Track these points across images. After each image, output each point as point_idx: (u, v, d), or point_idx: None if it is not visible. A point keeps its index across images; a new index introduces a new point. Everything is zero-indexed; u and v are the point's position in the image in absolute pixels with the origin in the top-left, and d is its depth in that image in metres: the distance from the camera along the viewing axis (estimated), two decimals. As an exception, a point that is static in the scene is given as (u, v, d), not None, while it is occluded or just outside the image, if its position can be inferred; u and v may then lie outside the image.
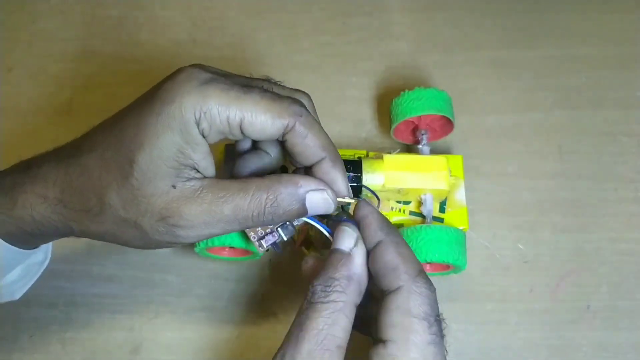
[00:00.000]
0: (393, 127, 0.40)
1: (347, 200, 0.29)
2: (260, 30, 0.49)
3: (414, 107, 0.38)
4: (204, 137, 0.27)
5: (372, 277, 0.27)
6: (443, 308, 0.39)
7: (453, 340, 0.38)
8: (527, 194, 0.43)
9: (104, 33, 0.49)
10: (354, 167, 0.36)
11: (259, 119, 0.27)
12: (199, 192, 0.27)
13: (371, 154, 0.40)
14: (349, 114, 0.46)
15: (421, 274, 0.26)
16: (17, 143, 0.44)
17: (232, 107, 0.26)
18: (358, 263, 0.27)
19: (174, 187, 0.27)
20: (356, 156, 0.39)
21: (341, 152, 0.39)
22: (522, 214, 0.42)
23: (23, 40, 0.49)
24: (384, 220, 0.28)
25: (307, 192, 0.28)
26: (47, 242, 0.35)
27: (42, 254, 0.37)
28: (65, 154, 0.29)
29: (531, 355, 0.38)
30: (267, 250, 0.32)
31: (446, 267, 0.37)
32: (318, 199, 0.28)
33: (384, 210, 0.38)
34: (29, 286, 0.37)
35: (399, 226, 0.38)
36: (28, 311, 0.39)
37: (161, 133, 0.26)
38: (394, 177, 0.36)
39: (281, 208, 0.28)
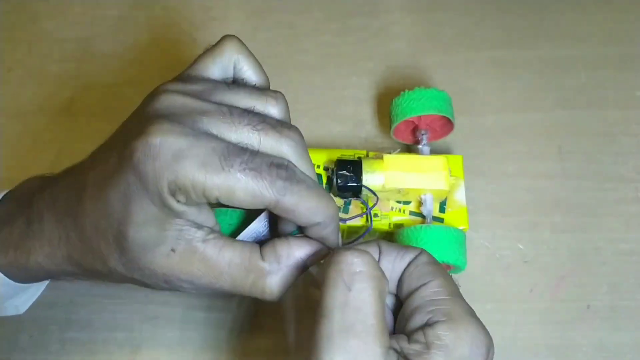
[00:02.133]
0: (393, 127, 0.40)
1: None
2: (260, 30, 0.49)
3: (414, 107, 0.38)
4: (184, 204, 0.26)
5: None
6: (443, 308, 0.39)
7: (453, 340, 0.39)
8: (527, 194, 0.43)
9: (104, 33, 0.49)
10: (354, 167, 0.36)
11: (237, 197, 0.25)
12: (200, 258, 0.27)
13: (371, 154, 0.40)
14: (349, 114, 0.46)
15: (439, 270, 0.27)
16: (17, 143, 0.44)
17: (207, 184, 0.24)
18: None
19: (173, 250, 0.27)
20: (356, 156, 0.39)
21: (341, 152, 0.39)
22: (522, 214, 0.42)
23: (23, 40, 0.49)
24: (435, 261, 0.28)
25: (307, 259, 0.28)
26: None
27: None
28: (62, 211, 0.28)
29: (531, 355, 0.38)
30: None
31: (446, 267, 0.37)
32: (317, 256, 0.28)
33: (384, 210, 0.38)
34: (33, 300, 0.37)
35: (398, 226, 0.38)
36: (28, 311, 0.39)
37: (145, 207, 0.25)
38: (394, 177, 0.36)
39: (287, 285, 0.28)
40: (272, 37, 0.49)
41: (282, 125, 0.27)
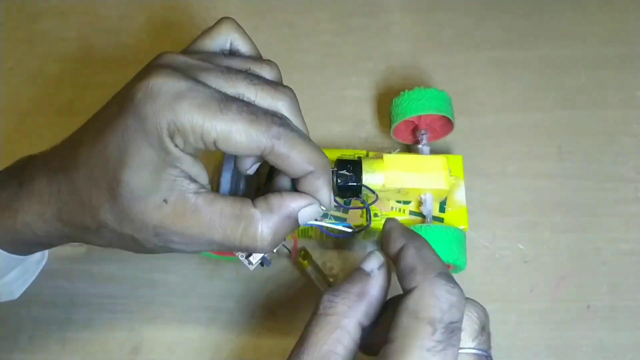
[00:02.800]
0: (393, 127, 0.40)
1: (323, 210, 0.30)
2: (260, 30, 0.49)
3: (414, 107, 0.38)
4: (182, 150, 0.26)
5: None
6: (443, 308, 0.39)
7: (453, 340, 0.39)
8: (527, 194, 0.43)
9: (104, 33, 0.49)
10: (354, 167, 0.36)
11: (234, 140, 0.26)
12: (192, 209, 0.27)
13: (371, 154, 0.40)
14: (349, 114, 0.46)
15: (441, 275, 0.24)
16: (17, 143, 0.44)
17: (205, 126, 0.25)
18: (374, 284, 0.26)
19: (165, 202, 0.27)
20: (356, 156, 0.39)
21: (341, 152, 0.39)
22: (522, 214, 0.42)
23: (23, 40, 0.49)
24: (408, 229, 0.28)
25: (299, 210, 0.28)
26: (47, 249, 0.35)
27: (40, 253, 0.37)
28: (55, 167, 0.29)
29: (531, 355, 0.38)
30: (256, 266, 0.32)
31: (446, 267, 0.37)
32: (309, 212, 0.29)
33: (384, 210, 0.38)
34: (28, 284, 0.37)
35: (399, 226, 0.38)
36: (28, 311, 0.39)
37: (142, 150, 0.26)
38: (394, 177, 0.36)
39: (280, 234, 0.28)
40: (272, 37, 0.49)
41: (276, 83, 0.28)
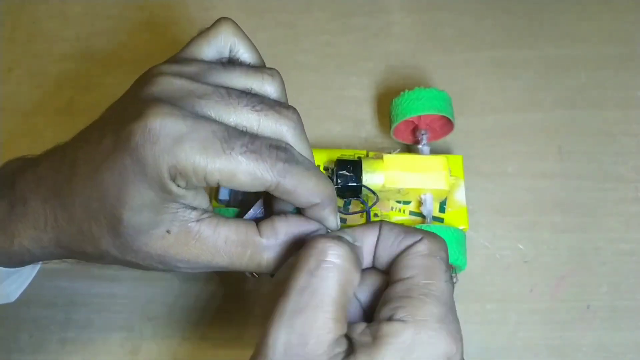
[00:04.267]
0: (393, 127, 0.40)
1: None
2: (260, 30, 0.49)
3: (414, 107, 0.38)
4: (184, 189, 0.25)
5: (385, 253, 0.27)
6: (443, 308, 0.39)
7: (453, 340, 0.38)
8: (527, 194, 0.43)
9: (104, 33, 0.49)
10: (354, 167, 0.36)
11: (238, 180, 0.25)
12: (195, 237, 0.27)
13: (371, 154, 0.40)
14: (349, 114, 0.46)
15: (432, 233, 0.27)
16: (17, 143, 0.44)
17: (209, 168, 0.24)
18: (360, 253, 0.27)
19: (168, 232, 0.26)
20: (356, 156, 0.39)
21: (341, 152, 0.39)
22: (522, 214, 0.42)
23: (23, 40, 0.49)
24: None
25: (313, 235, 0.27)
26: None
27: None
28: (49, 190, 0.27)
29: (531, 355, 0.38)
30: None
31: (446, 267, 0.37)
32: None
33: (384, 210, 0.38)
34: (24, 287, 0.37)
35: (399, 226, 0.38)
36: (28, 311, 0.39)
37: (142, 191, 0.24)
38: (394, 177, 0.36)
39: (285, 259, 0.28)
40: (272, 37, 0.49)
41: (280, 106, 0.27)
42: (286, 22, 0.49)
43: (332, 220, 0.28)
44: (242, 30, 0.30)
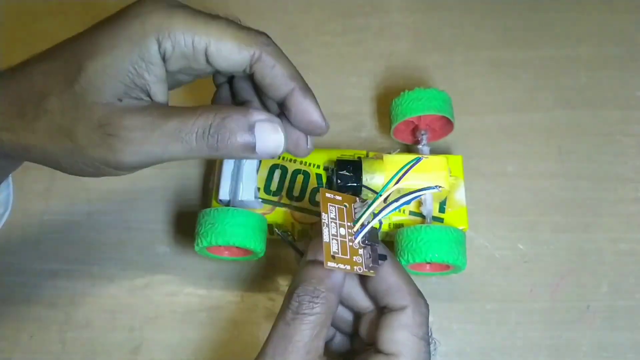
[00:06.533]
0: (393, 127, 0.40)
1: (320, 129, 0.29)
2: (260, 30, 0.49)
3: (414, 107, 0.38)
4: (164, 59, 0.26)
5: (371, 295, 0.28)
6: (443, 308, 0.39)
7: (453, 340, 0.39)
8: (527, 194, 0.43)
9: (104, 33, 0.49)
10: (354, 167, 0.36)
11: (226, 46, 0.26)
12: (145, 108, 0.26)
13: (371, 154, 0.40)
14: (349, 114, 0.46)
15: (420, 293, 0.28)
16: (17, 143, 0.44)
17: (198, 31, 0.26)
18: (340, 276, 0.27)
19: (119, 100, 0.26)
20: (356, 156, 0.39)
21: (341, 152, 0.39)
22: (522, 214, 0.42)
23: (23, 40, 0.49)
24: (383, 245, 0.29)
25: (257, 121, 0.27)
26: None
27: (2, 208, 0.37)
28: (7, 69, 0.28)
29: (531, 355, 0.38)
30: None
31: (446, 267, 0.37)
32: (268, 129, 0.27)
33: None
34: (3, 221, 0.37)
35: (398, 226, 0.38)
36: (28, 311, 0.39)
37: (117, 44, 0.25)
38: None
39: (228, 130, 0.26)
40: (272, 37, 0.48)
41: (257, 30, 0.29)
42: (286, 22, 0.49)
43: (315, 112, 0.29)
44: None
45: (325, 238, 0.26)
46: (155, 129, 0.26)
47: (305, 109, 0.29)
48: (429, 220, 0.37)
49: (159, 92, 0.27)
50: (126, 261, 0.40)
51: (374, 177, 0.36)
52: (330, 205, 0.28)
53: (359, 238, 0.27)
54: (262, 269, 0.40)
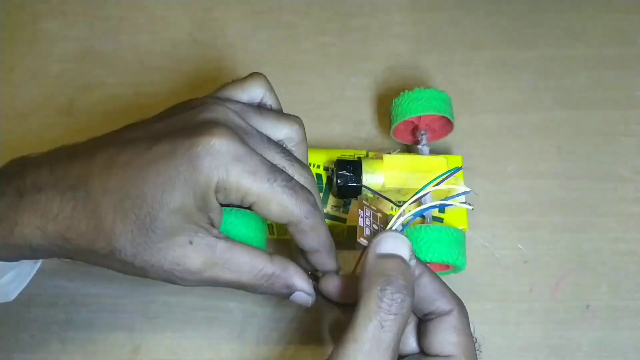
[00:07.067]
0: (393, 127, 0.40)
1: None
2: (260, 30, 0.49)
3: (413, 107, 0.38)
4: (219, 203, 0.28)
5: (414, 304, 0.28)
6: (443, 308, 0.39)
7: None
8: (526, 194, 0.43)
9: (104, 33, 0.49)
10: (353, 167, 0.36)
11: (271, 208, 0.28)
12: (212, 251, 0.28)
13: (371, 154, 0.40)
14: (349, 114, 0.46)
15: (459, 298, 0.29)
16: (18, 144, 0.44)
17: (251, 191, 0.27)
18: (414, 276, 0.28)
19: (190, 243, 0.28)
20: (356, 156, 0.39)
21: (341, 152, 0.39)
22: (522, 214, 0.42)
23: (24, 40, 0.49)
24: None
25: (298, 291, 0.31)
26: (40, 259, 0.35)
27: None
28: (67, 183, 0.28)
29: (531, 355, 0.38)
30: None
31: (446, 267, 0.37)
32: (303, 297, 0.31)
33: (384, 210, 0.38)
34: (23, 286, 0.37)
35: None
36: (28, 311, 0.39)
37: (184, 196, 0.27)
38: (393, 177, 0.36)
39: (273, 291, 0.30)
40: (272, 37, 0.49)
41: (301, 163, 0.31)
42: (286, 22, 0.49)
43: (331, 264, 0.32)
44: (270, 84, 0.33)
45: (360, 223, 0.30)
46: (213, 279, 0.29)
47: (321, 264, 0.32)
48: (428, 220, 0.37)
49: (219, 222, 0.30)
50: (126, 261, 0.40)
51: (374, 177, 0.36)
52: (365, 208, 0.32)
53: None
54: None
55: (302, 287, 0.31)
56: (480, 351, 0.30)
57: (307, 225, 0.29)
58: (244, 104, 0.31)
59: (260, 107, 0.32)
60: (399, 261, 0.27)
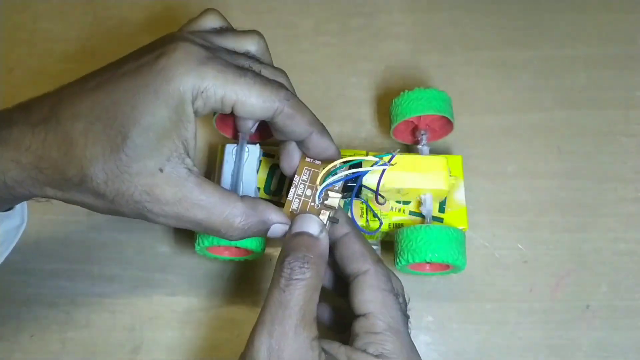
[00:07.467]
0: (393, 127, 0.40)
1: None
2: (260, 30, 0.48)
3: (413, 107, 0.38)
4: (195, 114, 0.28)
5: (339, 264, 0.31)
6: (443, 308, 0.39)
7: (453, 339, 0.39)
8: (526, 194, 0.43)
9: (104, 33, 0.49)
10: (353, 167, 0.36)
11: (251, 102, 0.28)
12: (183, 184, 0.28)
13: (371, 154, 0.39)
14: (349, 114, 0.46)
15: (381, 261, 0.31)
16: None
17: (227, 89, 0.28)
18: (325, 245, 0.30)
19: (161, 170, 0.27)
20: (356, 156, 0.39)
21: (341, 152, 0.39)
22: (522, 214, 0.42)
23: (24, 40, 0.49)
24: (348, 217, 0.33)
25: (274, 224, 0.31)
26: (18, 203, 0.34)
27: (19, 218, 0.37)
28: (39, 118, 0.28)
29: (531, 355, 0.38)
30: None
31: (446, 267, 0.37)
32: (278, 229, 0.31)
33: (384, 210, 0.38)
34: (8, 251, 0.37)
35: (398, 226, 0.38)
36: (29, 311, 0.39)
37: (157, 110, 0.27)
38: (393, 177, 0.36)
39: (250, 230, 0.30)
40: (272, 37, 0.48)
41: (272, 66, 0.32)
42: (286, 22, 0.49)
43: (333, 151, 0.33)
44: (226, 18, 0.33)
45: (290, 197, 0.32)
46: (185, 214, 0.28)
47: (322, 147, 0.32)
48: (428, 220, 0.37)
49: (193, 147, 0.29)
50: (126, 261, 0.40)
51: (374, 177, 0.36)
52: (305, 168, 0.33)
53: (317, 200, 0.32)
54: (262, 268, 0.40)
55: (276, 219, 0.31)
56: (410, 309, 0.31)
57: (291, 107, 0.30)
58: (201, 30, 0.31)
59: (218, 29, 0.32)
60: (305, 236, 0.30)
